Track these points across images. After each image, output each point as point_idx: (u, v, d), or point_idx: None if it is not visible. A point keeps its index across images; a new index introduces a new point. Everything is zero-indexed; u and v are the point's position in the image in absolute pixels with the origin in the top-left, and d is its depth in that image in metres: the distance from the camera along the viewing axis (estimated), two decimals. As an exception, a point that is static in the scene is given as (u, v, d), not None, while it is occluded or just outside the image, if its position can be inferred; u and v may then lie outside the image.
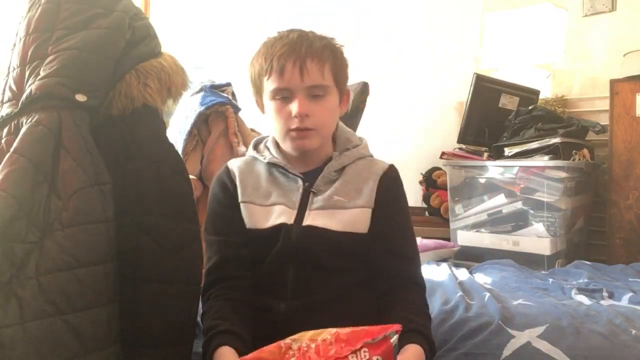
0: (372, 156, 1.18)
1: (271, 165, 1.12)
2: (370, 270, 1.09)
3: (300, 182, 1.09)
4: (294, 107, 1.03)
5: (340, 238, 1.05)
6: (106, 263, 0.89)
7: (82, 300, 0.85)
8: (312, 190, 1.08)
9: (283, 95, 1.04)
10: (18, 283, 0.80)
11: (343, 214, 1.06)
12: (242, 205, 1.09)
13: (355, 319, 0.98)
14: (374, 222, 1.08)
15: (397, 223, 1.10)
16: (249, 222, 1.08)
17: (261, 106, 1.11)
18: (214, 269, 1.07)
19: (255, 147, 1.18)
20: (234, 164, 1.15)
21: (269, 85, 1.05)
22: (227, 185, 1.12)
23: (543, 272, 2.02)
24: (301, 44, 1.04)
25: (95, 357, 0.86)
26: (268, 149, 1.15)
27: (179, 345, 0.93)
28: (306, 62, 1.02)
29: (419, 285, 1.09)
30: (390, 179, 1.13)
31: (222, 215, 1.11)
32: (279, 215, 1.07)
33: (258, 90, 1.10)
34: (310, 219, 1.06)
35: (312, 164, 1.12)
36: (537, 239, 2.19)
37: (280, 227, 1.05)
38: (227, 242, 1.08)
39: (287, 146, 1.08)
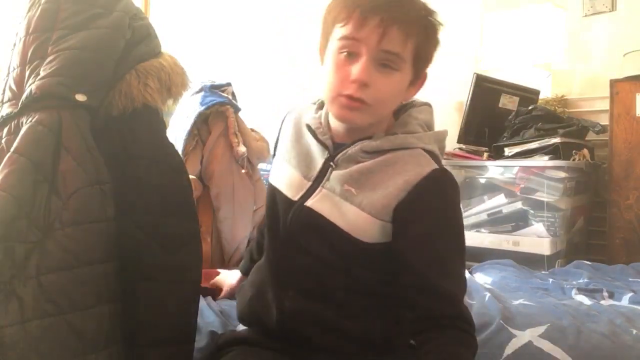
0: (430, 153, 0.94)
1: (307, 127, 0.99)
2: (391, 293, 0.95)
3: (326, 152, 0.96)
4: (355, 69, 0.87)
5: (337, 236, 0.91)
6: (107, 262, 0.89)
7: (83, 299, 0.85)
8: (331, 164, 0.94)
9: (350, 50, 0.88)
10: (19, 283, 0.80)
11: (347, 209, 0.91)
12: (275, 158, 1.06)
13: (369, 338, 0.94)
14: (393, 241, 0.90)
15: (425, 250, 0.88)
16: (271, 176, 1.04)
17: (322, 55, 0.95)
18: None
19: (323, 103, 1.03)
20: (293, 112, 1.07)
21: (340, 31, 0.89)
22: (278, 134, 1.08)
23: (543, 272, 2.02)
24: (395, 4, 0.87)
25: (96, 357, 0.86)
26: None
27: (179, 345, 0.92)
28: (393, 26, 0.86)
29: (461, 320, 0.86)
30: (425, 189, 0.88)
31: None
32: (290, 183, 0.98)
33: (325, 36, 0.94)
34: (315, 200, 0.94)
35: (354, 138, 0.95)
36: (537, 239, 2.19)
37: (284, 201, 0.98)
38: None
39: (332, 111, 0.94)
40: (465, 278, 0.93)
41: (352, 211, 0.91)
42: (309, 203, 0.94)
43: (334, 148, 0.96)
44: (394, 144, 0.93)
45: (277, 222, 0.99)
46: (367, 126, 0.94)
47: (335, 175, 0.94)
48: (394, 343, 0.98)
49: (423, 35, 0.90)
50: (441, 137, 1.00)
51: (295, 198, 0.96)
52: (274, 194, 1.01)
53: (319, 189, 0.94)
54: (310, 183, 0.96)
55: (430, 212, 0.89)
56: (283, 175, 1.01)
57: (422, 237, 0.88)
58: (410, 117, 0.98)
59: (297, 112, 1.07)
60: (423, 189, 0.88)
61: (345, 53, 0.89)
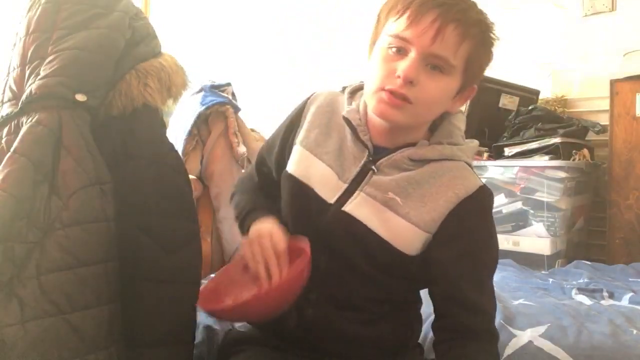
0: (469, 165, 0.94)
1: (345, 120, 0.93)
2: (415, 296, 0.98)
3: (366, 153, 0.91)
4: (402, 65, 0.83)
5: (376, 245, 0.88)
6: (107, 262, 0.89)
7: (83, 299, 0.85)
8: (373, 168, 0.90)
9: (399, 46, 0.84)
10: (19, 283, 0.80)
11: (390, 218, 0.88)
12: (295, 147, 0.96)
13: (387, 343, 0.94)
14: (433, 252, 0.88)
15: (465, 263, 0.87)
16: (293, 167, 0.95)
17: (370, 49, 0.91)
18: (246, 177, 1.12)
19: (354, 91, 0.99)
20: (319, 99, 0.99)
21: (392, 27, 0.85)
22: (298, 117, 0.99)
23: (543, 272, 2.02)
24: (455, 3, 0.83)
25: (96, 357, 0.86)
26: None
27: (179, 345, 0.92)
28: (449, 26, 0.82)
29: (490, 335, 0.88)
30: (473, 205, 0.88)
31: (276, 140, 1.03)
32: (324, 183, 0.92)
33: (378, 29, 0.90)
34: (354, 204, 0.89)
35: (394, 143, 0.91)
36: (537, 239, 2.19)
37: (318, 202, 0.91)
38: (269, 167, 1.06)
39: (370, 105, 0.88)
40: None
41: (396, 221, 0.88)
42: (347, 208, 0.89)
43: (374, 151, 0.92)
44: (442, 154, 0.91)
45: (306, 221, 0.93)
46: (406, 129, 0.90)
47: (377, 180, 0.89)
48: (407, 346, 0.98)
49: (479, 40, 0.86)
50: (476, 149, 0.99)
51: (331, 201, 0.91)
52: (302, 189, 0.94)
53: (356, 192, 0.90)
54: (346, 185, 0.91)
55: (475, 228, 0.89)
56: (314, 171, 0.93)
57: (465, 252, 0.88)
58: (454, 127, 0.95)
59: (325, 99, 0.99)
60: (471, 205, 0.88)
61: (395, 49, 0.85)
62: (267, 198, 1.06)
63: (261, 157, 1.08)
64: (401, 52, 0.84)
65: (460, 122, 0.97)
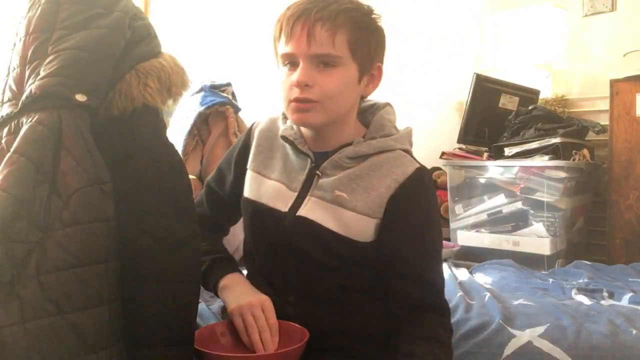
0: (407, 152, 1.01)
1: (283, 138, 1.02)
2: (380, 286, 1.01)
3: (308, 161, 1.00)
4: (295, 75, 0.93)
5: (334, 240, 0.95)
6: (107, 262, 0.89)
7: (84, 299, 0.85)
8: (317, 172, 0.98)
9: (290, 62, 0.95)
10: (19, 283, 0.80)
11: (342, 214, 0.95)
12: (247, 172, 1.06)
13: (369, 334, 0.98)
14: (383, 235, 0.96)
15: (412, 241, 0.96)
16: (247, 191, 1.04)
17: None
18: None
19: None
20: (261, 124, 1.09)
21: (279, 50, 0.97)
22: (246, 145, 1.09)
23: (543, 272, 2.02)
24: (314, 6, 0.92)
25: (97, 357, 0.86)
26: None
27: (179, 345, 0.92)
28: (315, 27, 0.91)
29: (437, 307, 0.96)
30: (412, 187, 0.96)
31: (227, 170, 1.11)
32: (276, 196, 1.00)
33: (275, 55, 1.00)
34: (307, 209, 0.97)
35: (331, 146, 1.00)
36: (537, 239, 2.19)
37: (273, 214, 0.99)
38: (220, 196, 1.13)
39: (290, 118, 0.99)
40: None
41: (347, 215, 0.96)
42: (301, 212, 0.97)
43: (315, 157, 1.00)
44: (377, 147, 0.98)
45: (267, 235, 1.01)
46: (330, 127, 0.98)
47: (323, 182, 0.98)
48: (393, 337, 0.99)
49: (351, 25, 0.92)
50: (411, 135, 1.06)
51: (285, 209, 0.99)
52: (257, 209, 1.02)
53: (307, 198, 0.98)
54: (296, 193, 0.99)
55: (418, 205, 0.97)
56: (265, 189, 1.02)
57: (411, 228, 0.96)
58: (384, 120, 1.03)
59: (266, 125, 1.09)
60: (410, 185, 0.95)
61: (288, 65, 0.96)
62: (217, 233, 1.17)
63: (209, 188, 1.16)
64: (293, 65, 0.94)
65: (389, 115, 1.05)
